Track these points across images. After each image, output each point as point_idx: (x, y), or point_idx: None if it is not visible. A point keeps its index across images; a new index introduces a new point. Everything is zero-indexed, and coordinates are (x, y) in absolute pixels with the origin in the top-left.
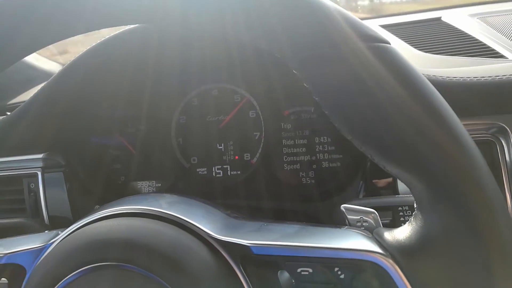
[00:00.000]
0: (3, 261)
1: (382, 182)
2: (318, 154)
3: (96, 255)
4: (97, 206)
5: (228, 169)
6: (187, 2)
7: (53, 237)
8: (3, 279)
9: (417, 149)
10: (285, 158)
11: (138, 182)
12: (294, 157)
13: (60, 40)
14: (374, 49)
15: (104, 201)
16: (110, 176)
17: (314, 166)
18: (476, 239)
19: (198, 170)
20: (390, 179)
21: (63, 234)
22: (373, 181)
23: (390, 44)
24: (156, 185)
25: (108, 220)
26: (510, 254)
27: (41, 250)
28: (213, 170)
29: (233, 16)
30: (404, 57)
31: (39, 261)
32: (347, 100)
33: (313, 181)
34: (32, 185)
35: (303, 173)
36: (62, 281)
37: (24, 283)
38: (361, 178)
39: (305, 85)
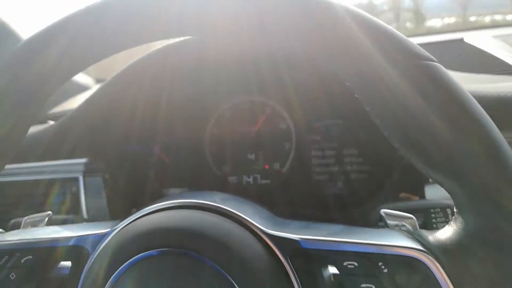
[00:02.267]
0: (71, 243)
1: (412, 196)
2: (346, 165)
3: (156, 241)
4: (134, 209)
5: (258, 177)
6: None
7: (116, 224)
8: (65, 262)
9: (462, 160)
10: (314, 169)
11: (171, 189)
12: (323, 168)
13: (129, 48)
14: (425, 67)
15: (140, 206)
16: (145, 182)
17: (343, 177)
18: None
19: (229, 178)
20: (416, 197)
21: (126, 221)
22: (400, 195)
23: (437, 62)
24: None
25: (169, 210)
26: None
27: (105, 235)
28: (243, 178)
29: (290, 33)
30: (450, 75)
31: (103, 245)
32: (398, 112)
33: (341, 191)
34: (74, 189)
35: (331, 183)
36: (124, 265)
37: (87, 266)
38: (388, 190)
39: (356, 95)
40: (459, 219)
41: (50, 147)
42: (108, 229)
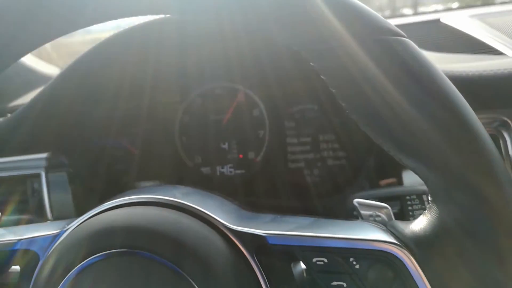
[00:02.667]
0: (16, 247)
1: (385, 182)
2: (322, 152)
3: (109, 241)
4: None
5: (233, 167)
6: None
7: (67, 225)
8: (15, 266)
9: (433, 142)
10: (290, 156)
11: (142, 182)
12: (299, 155)
13: (68, 33)
14: (391, 42)
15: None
16: (114, 176)
17: (319, 164)
18: (491, 228)
19: (202, 169)
20: (393, 180)
21: (78, 221)
22: (379, 182)
23: (406, 37)
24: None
25: (123, 208)
26: None
27: (55, 236)
28: (217, 169)
29: (249, 11)
30: (420, 51)
31: (53, 247)
32: (362, 93)
33: (318, 179)
34: (36, 185)
35: (307, 170)
36: (75, 267)
37: (37, 270)
38: (365, 175)
39: (322, 77)
40: (434, 208)
41: (6, 142)
42: (58, 231)
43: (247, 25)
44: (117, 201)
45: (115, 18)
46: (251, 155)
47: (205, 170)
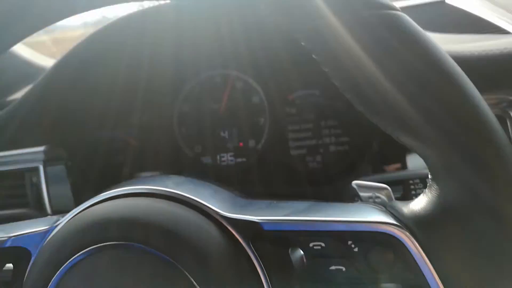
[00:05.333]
0: (7, 245)
1: (390, 168)
2: (324, 138)
3: (101, 235)
4: None
5: (233, 156)
6: None
7: (58, 220)
8: (8, 265)
9: (431, 116)
10: (291, 143)
11: (142, 174)
12: (301, 142)
13: (64, 18)
14: (385, 16)
15: None
16: (113, 168)
17: (321, 150)
18: (494, 201)
19: (202, 158)
20: (398, 165)
21: (69, 215)
22: (384, 164)
23: (400, 11)
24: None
25: (114, 200)
26: None
27: (46, 232)
28: (218, 158)
29: None
30: (417, 25)
31: (44, 243)
32: (357, 70)
33: (320, 165)
34: (35, 179)
35: (310, 157)
36: (67, 262)
37: (29, 266)
38: (369, 160)
39: (314, 56)
40: (434, 186)
41: (2, 136)
42: (49, 226)
43: (239, 9)
44: (108, 194)
45: (110, 4)
46: (251, 143)
47: (205, 159)
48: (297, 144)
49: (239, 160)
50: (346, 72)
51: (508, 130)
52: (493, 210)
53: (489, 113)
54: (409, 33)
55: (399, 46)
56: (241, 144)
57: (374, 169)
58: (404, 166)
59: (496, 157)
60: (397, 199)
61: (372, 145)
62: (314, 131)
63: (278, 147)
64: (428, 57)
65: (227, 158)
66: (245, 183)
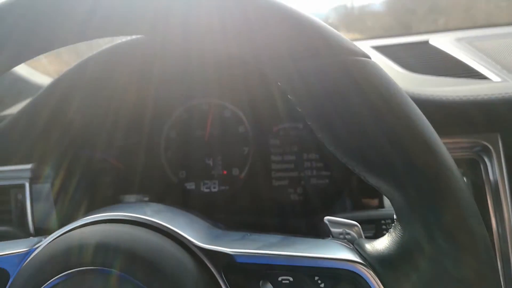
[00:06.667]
0: None
1: (370, 201)
2: (306, 171)
3: (78, 260)
4: None
5: (217, 183)
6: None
7: (38, 242)
8: None
9: (394, 160)
10: (274, 174)
11: (126, 196)
12: (283, 173)
13: (63, 46)
14: (355, 62)
15: None
16: (98, 189)
17: (302, 183)
18: (452, 248)
19: (186, 184)
20: (376, 200)
21: (48, 238)
22: (362, 200)
23: (370, 58)
24: (144, 199)
25: (93, 225)
26: (485, 261)
27: (25, 254)
28: (201, 184)
29: (220, 29)
30: (384, 72)
31: (23, 265)
32: (327, 112)
33: (301, 197)
34: (20, 196)
35: (291, 189)
36: (45, 285)
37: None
38: (348, 195)
39: (289, 96)
40: (398, 227)
41: None
42: (28, 248)
43: (222, 47)
44: (88, 219)
45: (113, 35)
46: (235, 171)
47: (189, 185)
48: (279, 175)
49: (222, 188)
50: (316, 114)
51: (482, 173)
52: (448, 256)
53: (449, 159)
54: (377, 79)
55: (367, 90)
56: (225, 172)
57: (353, 204)
58: (381, 205)
59: (456, 205)
60: (369, 237)
61: (351, 180)
62: (296, 163)
63: (261, 176)
64: (393, 105)
65: (211, 185)
66: (227, 211)
